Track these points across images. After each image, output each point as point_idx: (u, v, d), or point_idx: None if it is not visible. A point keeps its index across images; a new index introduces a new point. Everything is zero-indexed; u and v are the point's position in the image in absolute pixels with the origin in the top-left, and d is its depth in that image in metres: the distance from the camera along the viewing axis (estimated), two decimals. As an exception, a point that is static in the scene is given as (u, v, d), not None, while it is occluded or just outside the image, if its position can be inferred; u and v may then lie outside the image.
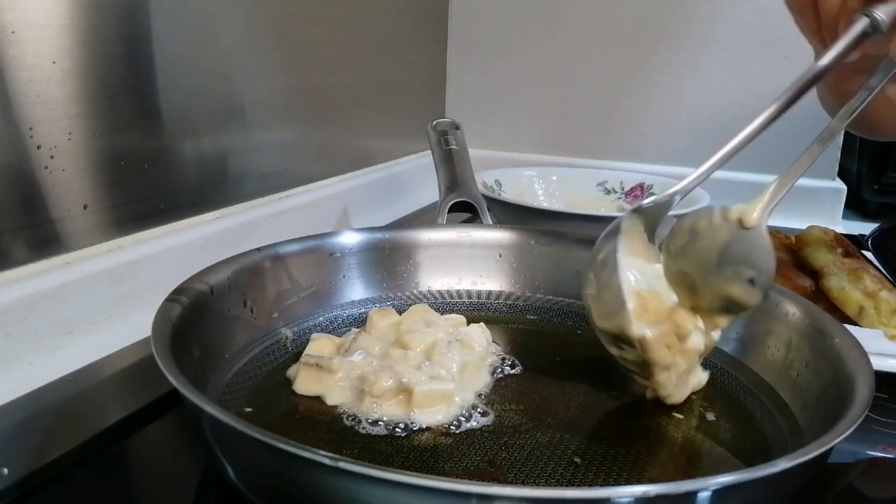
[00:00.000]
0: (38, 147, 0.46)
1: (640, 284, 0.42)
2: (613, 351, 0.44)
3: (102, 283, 0.50)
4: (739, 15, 1.02)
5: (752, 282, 0.41)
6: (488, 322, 0.52)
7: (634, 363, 0.43)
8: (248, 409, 0.41)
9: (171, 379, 0.32)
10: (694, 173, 0.43)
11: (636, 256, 0.43)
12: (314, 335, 0.48)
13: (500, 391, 0.44)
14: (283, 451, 0.27)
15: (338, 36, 0.82)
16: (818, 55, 0.43)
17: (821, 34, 0.47)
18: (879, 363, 0.42)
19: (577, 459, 0.37)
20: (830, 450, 0.30)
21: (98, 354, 0.49)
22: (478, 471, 0.36)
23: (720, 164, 0.42)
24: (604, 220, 0.50)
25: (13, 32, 0.44)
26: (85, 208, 0.50)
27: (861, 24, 0.42)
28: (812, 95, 0.46)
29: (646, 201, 0.44)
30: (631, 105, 1.10)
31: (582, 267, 0.45)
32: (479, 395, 0.43)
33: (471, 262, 0.60)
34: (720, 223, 0.42)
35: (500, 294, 0.59)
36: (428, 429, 0.39)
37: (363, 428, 0.39)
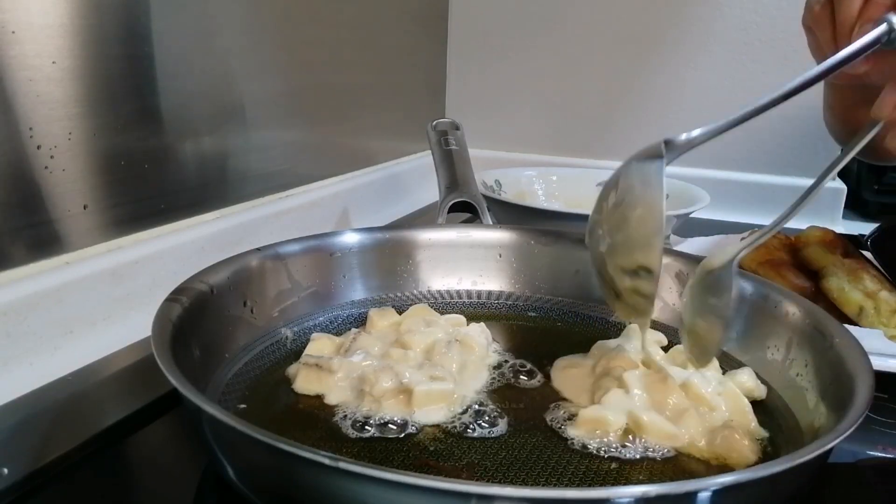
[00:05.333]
0: (38, 147, 0.46)
1: None
2: (625, 283, 0.42)
3: (102, 283, 0.50)
4: (739, 15, 1.02)
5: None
6: (488, 322, 0.52)
7: (643, 296, 0.42)
8: (243, 406, 0.41)
9: (171, 379, 0.32)
10: (714, 124, 0.41)
11: None
12: (314, 335, 0.48)
13: (499, 390, 0.44)
14: (282, 450, 0.27)
15: (338, 36, 0.82)
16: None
17: (834, 44, 0.47)
18: (879, 363, 0.42)
19: (576, 459, 0.37)
20: (830, 450, 0.30)
21: (98, 354, 0.49)
22: (477, 470, 0.36)
23: (733, 126, 0.41)
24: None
25: (13, 32, 0.44)
26: (85, 208, 0.50)
27: (879, 29, 0.41)
28: (808, 100, 0.45)
29: (680, 136, 0.41)
30: (631, 105, 1.10)
31: (601, 192, 0.44)
32: (479, 395, 0.44)
33: (471, 262, 0.60)
34: None
35: (500, 294, 0.59)
36: (428, 428, 0.40)
37: (363, 428, 0.39)
